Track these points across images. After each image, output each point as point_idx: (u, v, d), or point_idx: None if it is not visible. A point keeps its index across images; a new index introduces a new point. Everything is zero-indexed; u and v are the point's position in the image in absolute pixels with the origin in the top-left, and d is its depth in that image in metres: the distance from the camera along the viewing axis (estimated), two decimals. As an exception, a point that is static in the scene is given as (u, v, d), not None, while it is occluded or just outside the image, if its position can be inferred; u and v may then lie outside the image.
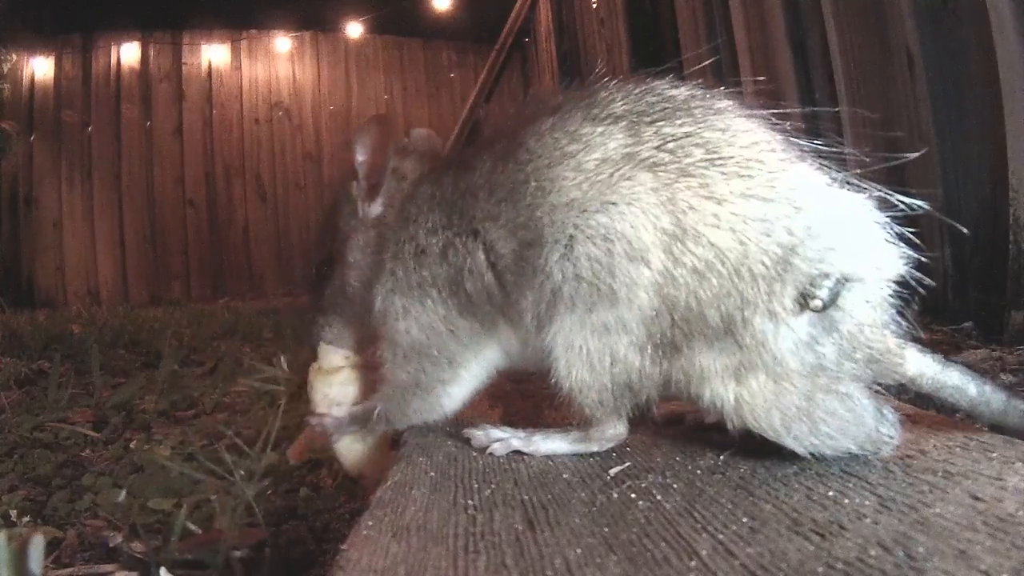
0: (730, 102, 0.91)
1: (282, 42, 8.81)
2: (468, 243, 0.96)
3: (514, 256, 0.93)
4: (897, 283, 0.84)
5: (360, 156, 1.07)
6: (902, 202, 0.84)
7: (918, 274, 0.85)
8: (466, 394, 1.05)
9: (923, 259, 0.84)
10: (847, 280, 0.80)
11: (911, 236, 0.84)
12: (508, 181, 0.93)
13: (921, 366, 0.87)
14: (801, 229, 0.80)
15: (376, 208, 1.08)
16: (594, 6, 4.85)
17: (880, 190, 0.85)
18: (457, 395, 1.04)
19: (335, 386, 1.12)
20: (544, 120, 0.93)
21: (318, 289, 1.14)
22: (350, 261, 1.09)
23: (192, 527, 1.25)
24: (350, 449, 1.12)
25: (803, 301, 0.80)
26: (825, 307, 0.80)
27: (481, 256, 0.95)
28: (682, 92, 0.91)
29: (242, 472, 1.32)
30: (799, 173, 0.84)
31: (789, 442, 0.81)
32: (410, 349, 1.01)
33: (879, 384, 0.86)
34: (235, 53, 8.71)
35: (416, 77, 9.37)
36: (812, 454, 0.82)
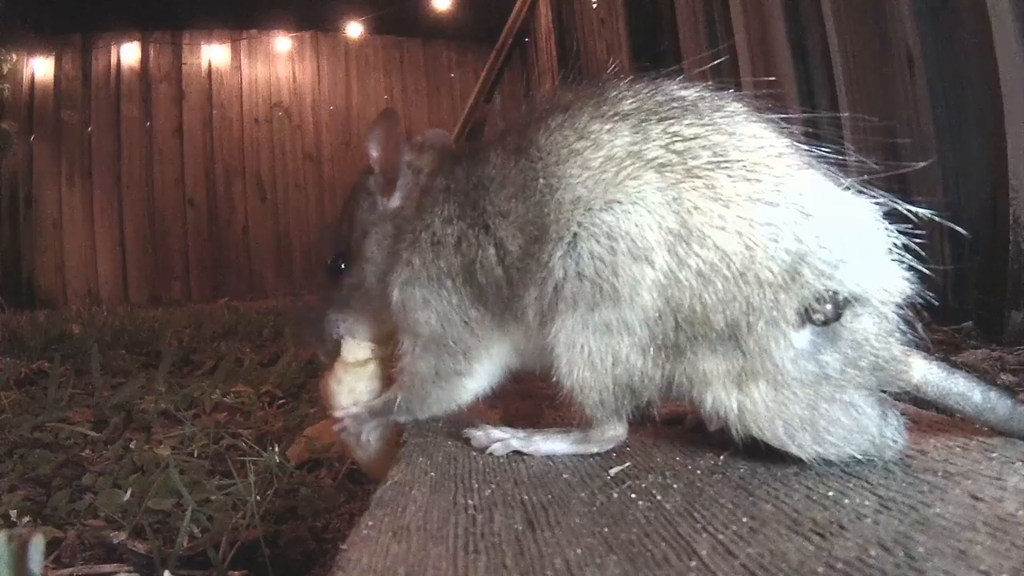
0: (740, 105, 0.90)
1: (282, 42, 8.82)
2: (480, 236, 0.96)
3: (521, 252, 0.93)
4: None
5: (374, 152, 1.08)
6: (908, 210, 0.84)
7: (924, 291, 0.84)
8: (479, 388, 1.05)
9: (929, 272, 0.84)
10: (854, 299, 0.80)
11: (915, 245, 0.83)
12: (518, 177, 0.94)
13: (926, 373, 0.86)
14: (810, 237, 0.79)
15: (395, 202, 1.08)
16: (594, 6, 4.85)
17: (885, 196, 0.85)
18: (471, 388, 1.04)
19: (363, 380, 1.09)
20: (555, 116, 0.94)
21: (333, 283, 1.13)
22: (368, 255, 1.09)
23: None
24: (366, 446, 1.11)
25: (807, 315, 0.80)
26: (827, 323, 0.79)
27: (492, 251, 0.95)
28: (692, 93, 0.91)
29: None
30: (807, 179, 0.83)
31: (793, 450, 0.81)
32: (429, 339, 1.01)
33: (883, 390, 0.86)
34: (235, 53, 8.71)
35: (416, 77, 9.38)
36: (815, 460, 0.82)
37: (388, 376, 1.09)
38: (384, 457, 1.08)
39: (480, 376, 1.03)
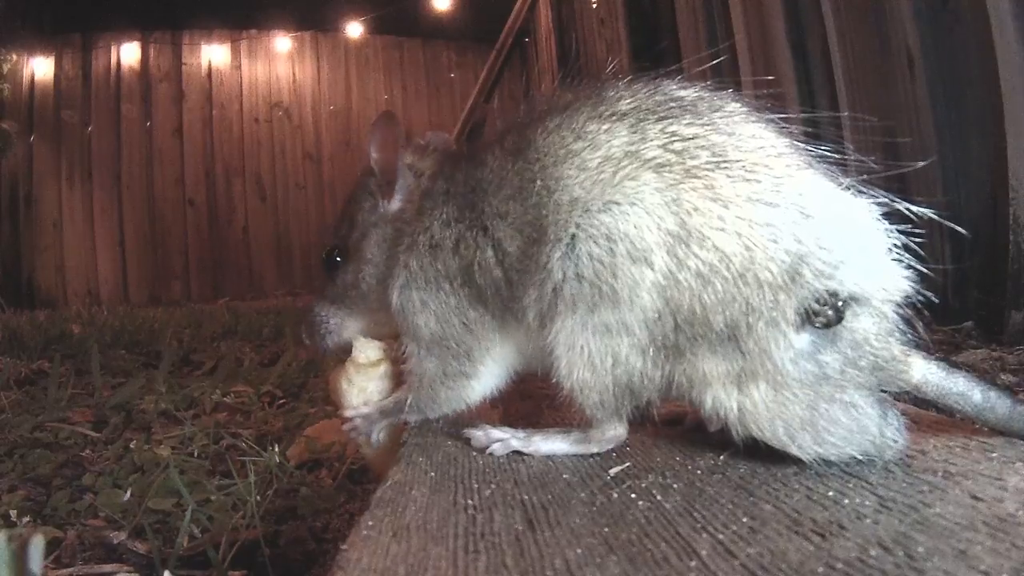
0: (739, 105, 0.90)
1: (282, 42, 8.82)
2: (479, 238, 0.96)
3: (519, 253, 0.93)
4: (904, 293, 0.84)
5: (374, 153, 1.08)
6: (908, 210, 0.84)
7: (924, 290, 0.84)
8: (486, 389, 1.05)
9: (929, 272, 0.84)
10: (854, 300, 0.80)
11: (915, 245, 0.83)
12: (516, 179, 0.94)
13: (926, 373, 0.86)
14: (810, 237, 0.79)
15: (395, 204, 1.09)
16: (594, 6, 4.86)
17: (885, 196, 0.85)
18: (478, 389, 1.04)
19: (374, 380, 1.09)
20: (553, 117, 0.94)
21: (328, 279, 1.14)
22: (367, 257, 1.09)
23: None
24: (376, 446, 1.10)
25: (807, 317, 0.79)
26: (828, 326, 0.79)
27: (490, 252, 0.95)
28: (690, 93, 0.91)
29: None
30: (806, 179, 0.83)
31: (793, 450, 0.81)
32: (431, 342, 1.01)
33: (882, 390, 0.85)
34: (235, 53, 8.71)
35: (416, 77, 9.38)
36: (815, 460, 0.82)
37: (398, 376, 1.10)
38: (393, 456, 1.09)
39: (485, 377, 1.03)
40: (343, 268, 1.12)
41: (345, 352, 1.12)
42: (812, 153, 0.87)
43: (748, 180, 0.82)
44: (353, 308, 1.13)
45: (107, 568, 1.17)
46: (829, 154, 0.87)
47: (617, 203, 0.84)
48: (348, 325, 1.15)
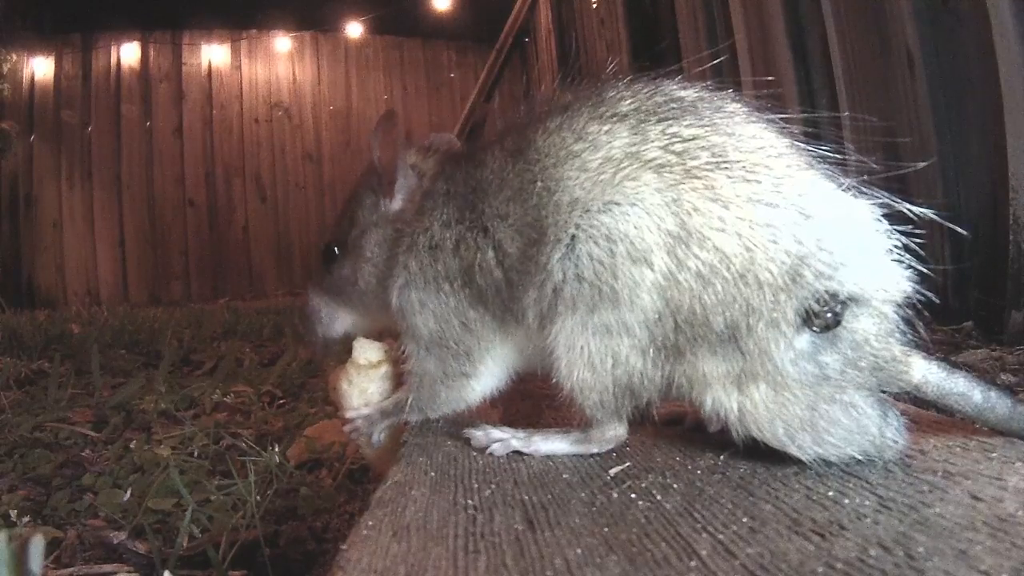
0: (739, 105, 0.90)
1: (282, 42, 8.82)
2: (479, 239, 0.97)
3: (520, 254, 0.93)
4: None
5: (376, 152, 1.08)
6: (908, 210, 0.84)
7: (924, 290, 0.84)
8: (486, 389, 1.05)
9: (929, 272, 0.84)
10: (854, 301, 0.80)
11: (915, 245, 0.83)
12: (516, 180, 0.94)
13: (926, 373, 0.86)
14: (810, 238, 0.79)
15: (396, 204, 1.09)
16: (594, 6, 4.86)
17: (885, 196, 0.85)
18: (479, 388, 1.04)
19: (375, 382, 1.09)
20: (553, 118, 0.94)
21: (325, 272, 1.14)
22: (367, 255, 1.09)
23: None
24: (377, 446, 1.11)
25: (806, 318, 0.79)
26: (827, 329, 0.79)
27: (491, 253, 0.95)
28: (691, 93, 0.91)
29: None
30: (807, 180, 0.83)
31: (793, 451, 0.81)
32: (430, 342, 1.02)
33: (883, 390, 0.85)
34: (235, 53, 8.71)
35: (416, 77, 9.37)
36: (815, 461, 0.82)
37: (398, 377, 1.10)
38: (394, 456, 1.09)
39: (485, 377, 1.04)
40: (340, 261, 1.12)
41: (345, 352, 1.12)
42: (812, 153, 0.87)
43: (748, 181, 0.82)
44: (349, 303, 1.14)
45: (107, 568, 1.17)
46: (829, 154, 0.87)
47: (617, 204, 0.84)
48: (341, 317, 1.16)
